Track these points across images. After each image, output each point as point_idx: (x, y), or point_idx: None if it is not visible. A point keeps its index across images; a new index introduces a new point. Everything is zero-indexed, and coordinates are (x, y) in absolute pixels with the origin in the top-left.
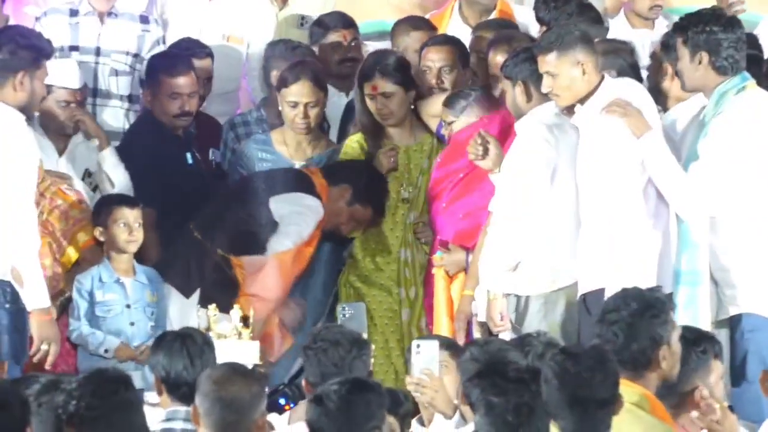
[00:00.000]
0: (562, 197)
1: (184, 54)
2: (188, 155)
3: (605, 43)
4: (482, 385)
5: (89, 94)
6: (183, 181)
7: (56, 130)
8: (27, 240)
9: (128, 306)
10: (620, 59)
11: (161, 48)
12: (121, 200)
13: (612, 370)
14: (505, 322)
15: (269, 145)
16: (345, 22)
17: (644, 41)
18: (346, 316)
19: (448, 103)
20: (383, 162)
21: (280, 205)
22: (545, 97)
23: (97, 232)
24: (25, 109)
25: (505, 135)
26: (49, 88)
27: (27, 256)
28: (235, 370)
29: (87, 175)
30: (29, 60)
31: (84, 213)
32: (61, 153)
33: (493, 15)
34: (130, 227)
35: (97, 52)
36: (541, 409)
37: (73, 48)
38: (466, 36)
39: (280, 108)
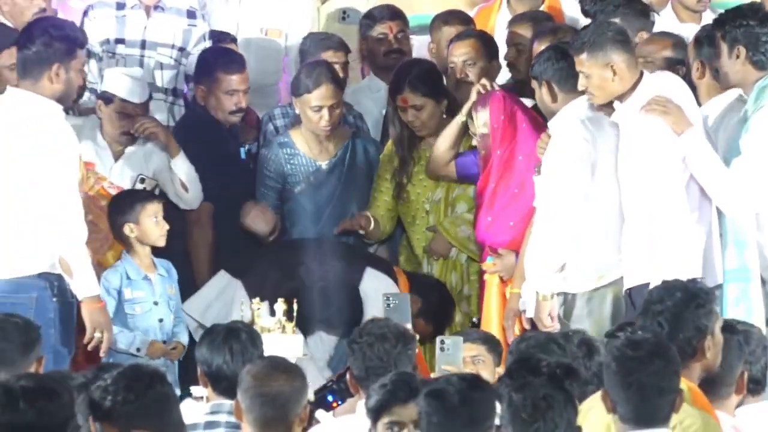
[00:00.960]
0: (604, 192)
1: (223, 48)
2: (242, 150)
3: (669, 36)
4: (506, 379)
5: None
6: (238, 176)
7: (114, 138)
8: (73, 229)
9: (156, 303)
10: (683, 53)
11: (206, 44)
12: (148, 195)
13: (672, 359)
14: (554, 322)
15: (292, 147)
16: (392, 14)
17: (690, 35)
18: (391, 306)
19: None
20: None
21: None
22: (571, 96)
23: (128, 228)
24: (62, 100)
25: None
26: (112, 97)
27: (74, 246)
28: (275, 365)
29: (140, 181)
30: (63, 51)
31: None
32: (116, 158)
33: (542, 8)
34: (159, 221)
35: (143, 45)
36: (563, 405)
37: (119, 41)
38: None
39: (298, 112)
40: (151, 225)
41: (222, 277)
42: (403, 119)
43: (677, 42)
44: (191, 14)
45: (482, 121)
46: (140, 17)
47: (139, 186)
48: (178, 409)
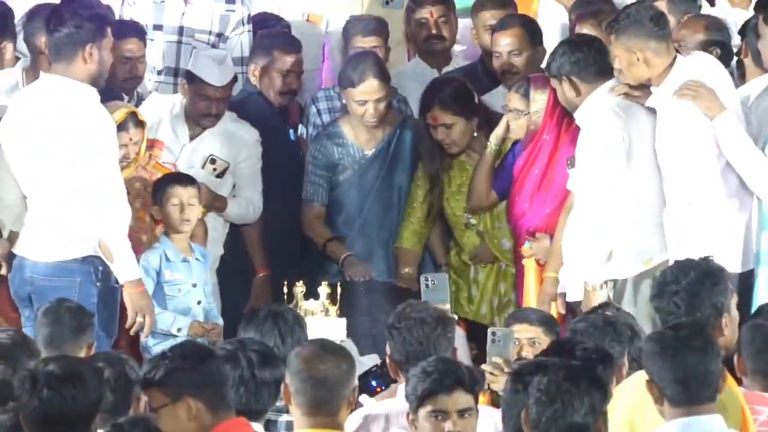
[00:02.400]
0: (643, 177)
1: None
2: (291, 131)
3: (706, 19)
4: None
5: (172, 73)
6: (287, 156)
7: (193, 118)
8: (112, 213)
9: (194, 285)
10: (723, 36)
11: (245, 28)
12: (176, 179)
13: (710, 335)
14: None
15: (341, 136)
16: None
17: (739, 20)
18: (430, 286)
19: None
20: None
21: None
22: (593, 85)
23: (154, 211)
24: (95, 81)
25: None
26: (194, 77)
27: (114, 230)
28: (324, 347)
29: (210, 161)
30: (94, 30)
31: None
32: (192, 139)
33: None
34: (182, 206)
35: (180, 31)
36: (584, 389)
37: (157, 27)
38: (558, 13)
39: (345, 102)
40: (172, 210)
41: None
42: (434, 137)
43: (710, 24)
44: None
45: (539, 102)
46: (178, 3)
47: (209, 166)
48: (229, 388)
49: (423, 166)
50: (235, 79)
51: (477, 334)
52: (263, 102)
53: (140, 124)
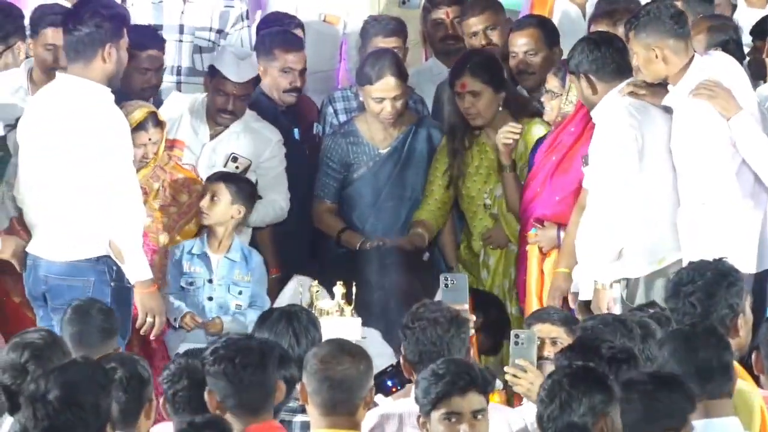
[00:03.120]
0: (656, 177)
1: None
2: (296, 131)
3: (710, 20)
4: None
5: (174, 72)
6: (292, 156)
7: (213, 117)
8: (124, 213)
9: (210, 281)
10: (727, 35)
11: (244, 23)
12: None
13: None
14: (613, 309)
15: (356, 134)
16: None
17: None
18: (449, 286)
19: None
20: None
21: None
22: (611, 84)
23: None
24: (112, 80)
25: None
26: (217, 74)
27: (124, 230)
28: (341, 348)
29: (232, 159)
30: (113, 30)
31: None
32: (213, 137)
33: None
34: (208, 202)
35: (180, 30)
36: (584, 391)
37: (157, 27)
38: (573, 12)
39: (362, 100)
40: (202, 203)
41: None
42: (460, 107)
43: (712, 26)
44: None
45: (575, 90)
46: (177, 3)
47: (230, 165)
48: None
49: (446, 140)
50: (258, 79)
51: (481, 301)
52: (266, 101)
53: (159, 124)
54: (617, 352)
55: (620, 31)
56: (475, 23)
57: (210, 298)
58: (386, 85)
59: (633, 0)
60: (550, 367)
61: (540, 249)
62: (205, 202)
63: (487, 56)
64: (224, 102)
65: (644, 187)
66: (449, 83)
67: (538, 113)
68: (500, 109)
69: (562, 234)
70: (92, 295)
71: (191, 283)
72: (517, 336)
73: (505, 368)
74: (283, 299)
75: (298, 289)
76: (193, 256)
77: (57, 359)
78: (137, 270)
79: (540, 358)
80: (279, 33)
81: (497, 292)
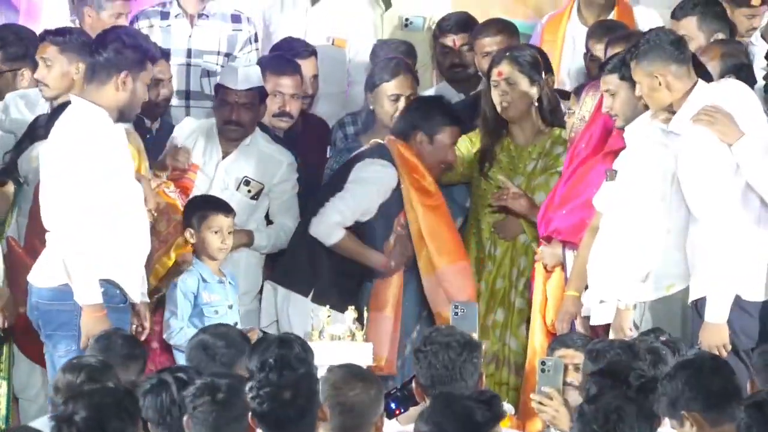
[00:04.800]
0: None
1: (288, 54)
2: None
3: (721, 45)
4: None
5: (182, 96)
6: None
7: (222, 132)
8: (72, 237)
9: (230, 306)
10: (740, 60)
11: (253, 47)
12: (218, 207)
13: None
14: (632, 332)
15: None
16: (459, 26)
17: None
18: (458, 314)
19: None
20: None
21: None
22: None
23: (188, 233)
24: (124, 110)
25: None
26: (220, 88)
27: (71, 252)
28: (354, 373)
29: (244, 183)
30: (134, 60)
31: (175, 231)
32: (225, 157)
33: (612, 15)
34: (223, 235)
35: (189, 54)
36: (633, 418)
37: (165, 51)
38: (583, 37)
39: (372, 107)
40: (210, 236)
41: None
42: (493, 98)
43: (726, 52)
44: (236, 18)
45: (588, 106)
46: (185, 26)
47: (243, 188)
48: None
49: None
50: (264, 94)
51: None
52: (261, 125)
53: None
54: (647, 381)
55: None
56: (490, 44)
57: (236, 323)
58: (402, 83)
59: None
60: (573, 393)
61: (545, 266)
62: (225, 238)
63: (530, 50)
64: (229, 112)
65: (673, 208)
66: (486, 74)
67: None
68: (535, 111)
69: (567, 252)
70: (80, 319)
71: (216, 312)
72: (543, 363)
73: (531, 395)
74: (295, 322)
75: (309, 313)
76: (207, 283)
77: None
78: (84, 293)
79: (563, 383)
80: (273, 57)
81: (501, 283)
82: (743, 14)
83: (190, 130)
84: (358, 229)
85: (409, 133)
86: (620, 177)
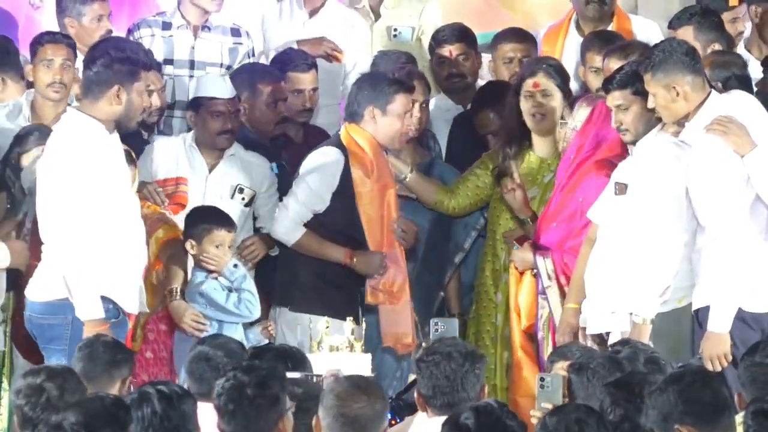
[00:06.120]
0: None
1: (288, 66)
2: (274, 165)
3: (716, 56)
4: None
5: (184, 107)
6: None
7: (209, 145)
8: (73, 251)
9: (236, 265)
10: (729, 71)
11: (251, 60)
12: (222, 221)
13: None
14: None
15: None
16: (455, 36)
17: None
18: (438, 330)
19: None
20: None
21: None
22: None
23: (189, 245)
24: (122, 120)
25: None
26: (200, 102)
27: (74, 268)
28: (358, 386)
29: (238, 191)
30: (124, 73)
31: (162, 217)
32: (211, 169)
33: (611, 27)
34: (224, 249)
35: (191, 65)
36: (595, 428)
37: (168, 61)
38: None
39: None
40: (210, 250)
41: None
42: (523, 108)
43: (714, 62)
44: (235, 32)
45: (579, 118)
46: (187, 37)
47: (237, 196)
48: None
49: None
50: (239, 99)
51: None
52: (248, 134)
53: (133, 161)
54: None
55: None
56: (513, 50)
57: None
58: (417, 87)
59: (617, 36)
60: None
61: (516, 268)
62: (226, 253)
63: (559, 62)
64: (223, 122)
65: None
66: (515, 87)
67: None
68: (562, 121)
69: (538, 258)
70: (72, 332)
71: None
72: (542, 379)
73: (531, 412)
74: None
75: (308, 325)
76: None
77: (72, 385)
78: (86, 308)
79: (564, 395)
80: (287, 55)
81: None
82: (726, 20)
83: (166, 148)
84: (326, 221)
85: (361, 113)
86: (631, 191)
